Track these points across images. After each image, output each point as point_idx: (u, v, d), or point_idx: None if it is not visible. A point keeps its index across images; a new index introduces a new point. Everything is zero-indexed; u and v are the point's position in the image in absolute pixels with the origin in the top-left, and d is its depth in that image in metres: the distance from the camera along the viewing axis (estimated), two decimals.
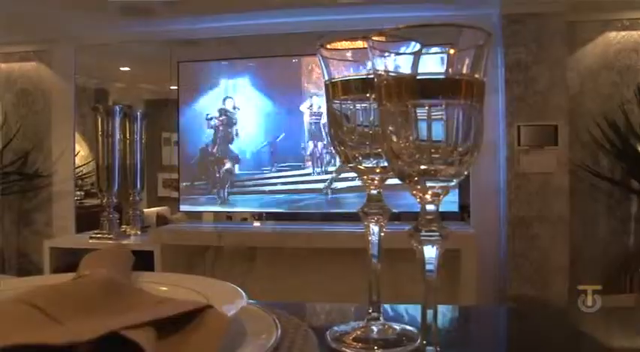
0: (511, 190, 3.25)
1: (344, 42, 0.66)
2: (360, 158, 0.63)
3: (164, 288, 0.59)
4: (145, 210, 4.00)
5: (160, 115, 5.09)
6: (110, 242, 3.17)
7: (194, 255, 3.17)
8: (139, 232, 3.43)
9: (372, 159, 0.63)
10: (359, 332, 0.65)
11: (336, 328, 0.67)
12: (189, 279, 0.63)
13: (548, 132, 3.20)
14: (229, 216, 3.87)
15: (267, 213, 3.46)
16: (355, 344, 0.63)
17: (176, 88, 3.51)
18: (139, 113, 3.58)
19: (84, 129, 5.12)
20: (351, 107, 0.64)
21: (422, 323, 0.54)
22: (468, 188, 3.32)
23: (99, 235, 3.29)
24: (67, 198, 4.31)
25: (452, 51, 0.53)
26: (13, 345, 0.38)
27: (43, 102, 4.48)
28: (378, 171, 0.64)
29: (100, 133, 3.39)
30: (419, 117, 0.52)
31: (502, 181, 3.32)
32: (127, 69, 5.60)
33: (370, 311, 0.66)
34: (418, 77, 0.52)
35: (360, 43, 0.65)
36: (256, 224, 3.52)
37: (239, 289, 0.58)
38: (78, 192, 4.66)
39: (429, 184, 0.53)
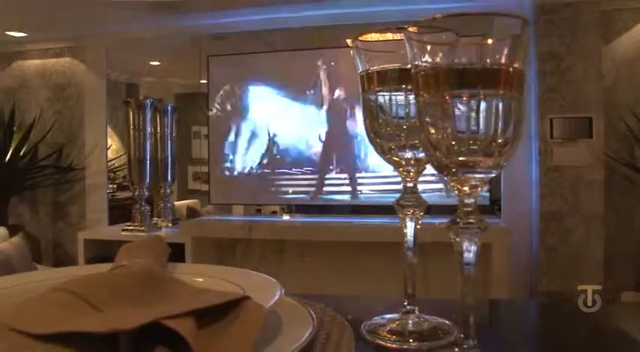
0: (543, 184, 3.20)
1: (374, 34, 0.65)
2: (396, 150, 0.62)
3: (200, 279, 0.59)
4: (176, 202, 4.04)
5: (190, 109, 5.14)
6: (142, 234, 3.21)
7: (224, 247, 3.19)
8: (170, 224, 3.47)
9: (407, 151, 0.62)
10: (394, 325, 0.65)
11: (371, 320, 0.66)
12: (224, 271, 0.64)
13: (582, 125, 3.14)
14: (259, 209, 3.89)
15: (296, 205, 3.46)
16: (390, 336, 0.62)
17: (206, 81, 3.53)
18: (169, 107, 3.61)
19: (116, 123, 5.20)
20: (387, 98, 0.63)
21: (460, 316, 0.54)
22: (498, 181, 3.28)
23: (131, 227, 3.34)
24: (99, 191, 4.39)
25: (490, 40, 0.52)
26: (56, 333, 0.39)
27: (77, 97, 4.56)
28: (413, 162, 0.63)
29: (131, 127, 3.44)
30: (457, 108, 0.51)
31: (534, 174, 3.27)
32: (157, 63, 5.65)
33: (405, 303, 0.66)
34: (456, 67, 0.52)
35: (389, 35, 0.65)
36: (285, 217, 3.53)
37: (275, 281, 0.58)
38: (110, 185, 4.73)
39: (467, 176, 0.52)
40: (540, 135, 3.20)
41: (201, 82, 3.79)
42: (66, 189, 4.53)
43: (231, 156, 3.42)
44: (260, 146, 3.37)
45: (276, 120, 3.34)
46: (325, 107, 3.27)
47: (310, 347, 0.51)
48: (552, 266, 3.15)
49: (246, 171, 3.39)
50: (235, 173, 3.41)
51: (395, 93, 0.62)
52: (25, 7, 3.70)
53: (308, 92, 3.31)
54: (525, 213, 3.33)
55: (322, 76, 3.28)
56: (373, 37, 0.65)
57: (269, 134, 3.35)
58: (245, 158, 3.39)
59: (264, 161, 3.36)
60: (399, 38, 0.62)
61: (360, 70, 0.65)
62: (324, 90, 3.27)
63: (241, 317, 0.43)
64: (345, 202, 3.30)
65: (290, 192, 3.30)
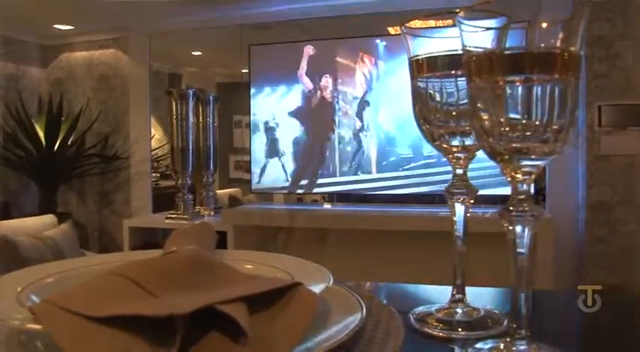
0: (590, 173, 3.11)
1: (417, 21, 0.64)
2: (446, 136, 0.61)
3: (249, 266, 0.60)
4: (218, 191, 4.09)
5: (232, 98, 5.19)
6: (185, 222, 3.26)
7: (265, 236, 3.22)
8: (212, 213, 3.51)
9: (458, 137, 0.61)
10: (442, 314, 0.64)
11: (418, 309, 0.66)
12: (273, 257, 0.64)
13: (633, 112, 3.04)
14: (299, 198, 3.90)
15: (337, 194, 3.46)
16: (439, 325, 0.62)
17: (247, 71, 3.55)
18: (211, 96, 3.65)
19: (159, 113, 5.29)
20: (436, 84, 0.62)
21: (512, 306, 0.53)
22: (543, 170, 3.21)
23: (174, 215, 3.39)
24: (143, 180, 4.48)
25: (544, 24, 0.51)
26: (113, 316, 0.40)
27: (121, 87, 4.65)
28: (463, 149, 0.62)
29: (174, 117, 3.49)
30: (511, 94, 0.50)
31: (581, 164, 3.19)
32: (199, 53, 5.71)
33: (454, 292, 0.65)
34: (510, 52, 0.50)
35: (431, 22, 0.64)
36: (327, 206, 3.54)
37: (323, 268, 0.58)
38: (154, 174, 4.82)
39: (521, 163, 0.51)
40: (587, 123, 3.12)
41: (243, 71, 3.82)
42: (111, 178, 4.64)
43: (272, 145, 3.43)
44: (301, 135, 3.37)
45: (316, 109, 3.34)
46: (366, 96, 3.25)
47: (359, 334, 0.51)
48: (601, 258, 3.07)
49: (287, 160, 3.40)
50: (276, 162, 3.43)
51: (445, 80, 0.62)
52: (71, 0, 3.78)
53: (349, 81, 3.29)
54: (571, 203, 3.25)
55: (364, 64, 3.26)
56: (417, 23, 0.65)
57: (308, 123, 3.36)
58: (286, 146, 3.40)
59: (306, 149, 3.36)
60: (449, 23, 0.61)
61: (409, 56, 0.64)
62: (366, 79, 3.25)
63: (293, 303, 0.43)
64: (386, 192, 3.28)
65: (330, 181, 3.31)
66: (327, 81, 3.32)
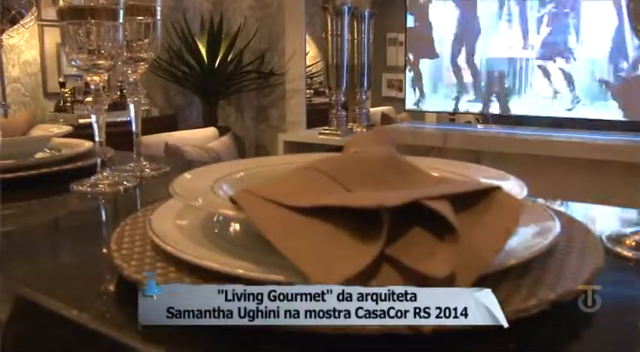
0: None
1: None
2: None
3: (435, 173, 0.58)
4: (371, 109, 4.08)
5: (386, 15, 5.06)
6: (338, 138, 3.31)
7: (416, 155, 3.18)
8: (364, 130, 3.52)
9: None
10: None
11: (610, 229, 0.61)
12: (455, 165, 0.62)
13: None
14: (452, 119, 3.80)
15: (493, 115, 3.31)
16: (636, 246, 0.57)
17: None
18: (366, 12, 3.57)
19: (312, 29, 5.31)
20: None
21: None
22: None
23: (327, 131, 3.45)
24: (298, 96, 4.59)
25: None
26: (316, 207, 0.40)
27: (277, 4, 4.71)
28: None
29: (329, 33, 3.47)
30: None
31: None
32: None
33: None
34: None
35: None
36: (480, 127, 3.41)
37: (514, 177, 0.55)
38: (308, 90, 4.92)
39: None
40: None
41: None
42: (267, 93, 4.81)
43: (426, 64, 3.33)
44: (460, 55, 3.23)
45: (486, 26, 3.15)
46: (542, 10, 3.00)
47: (555, 247, 0.48)
48: None
49: (441, 79, 3.29)
50: (430, 81, 3.33)
51: None
52: None
53: None
54: None
55: None
56: None
57: (469, 42, 3.19)
58: (441, 66, 3.28)
59: (462, 70, 3.22)
60: None
61: None
62: None
63: (495, 206, 0.41)
64: (544, 115, 3.08)
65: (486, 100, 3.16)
66: None
